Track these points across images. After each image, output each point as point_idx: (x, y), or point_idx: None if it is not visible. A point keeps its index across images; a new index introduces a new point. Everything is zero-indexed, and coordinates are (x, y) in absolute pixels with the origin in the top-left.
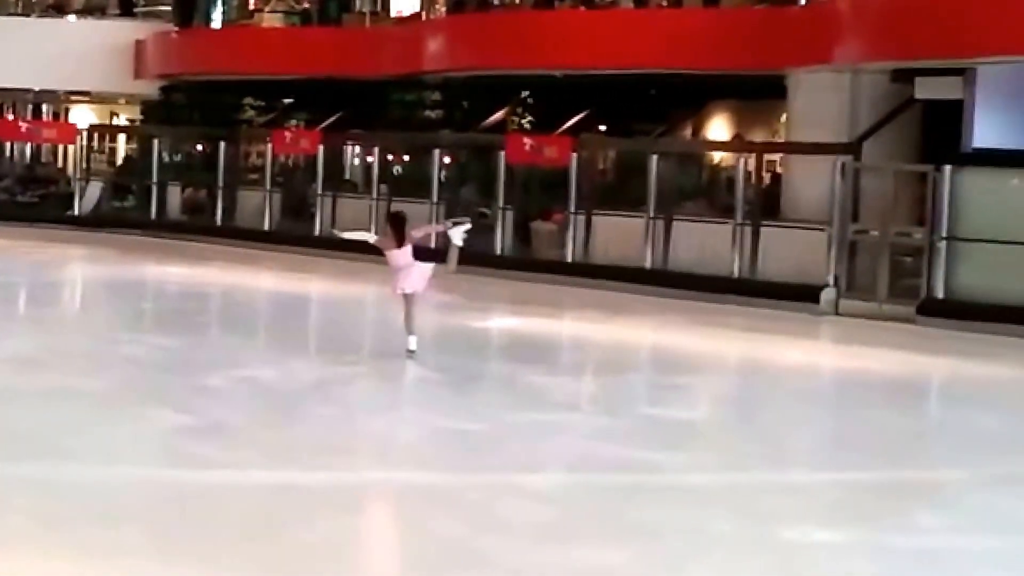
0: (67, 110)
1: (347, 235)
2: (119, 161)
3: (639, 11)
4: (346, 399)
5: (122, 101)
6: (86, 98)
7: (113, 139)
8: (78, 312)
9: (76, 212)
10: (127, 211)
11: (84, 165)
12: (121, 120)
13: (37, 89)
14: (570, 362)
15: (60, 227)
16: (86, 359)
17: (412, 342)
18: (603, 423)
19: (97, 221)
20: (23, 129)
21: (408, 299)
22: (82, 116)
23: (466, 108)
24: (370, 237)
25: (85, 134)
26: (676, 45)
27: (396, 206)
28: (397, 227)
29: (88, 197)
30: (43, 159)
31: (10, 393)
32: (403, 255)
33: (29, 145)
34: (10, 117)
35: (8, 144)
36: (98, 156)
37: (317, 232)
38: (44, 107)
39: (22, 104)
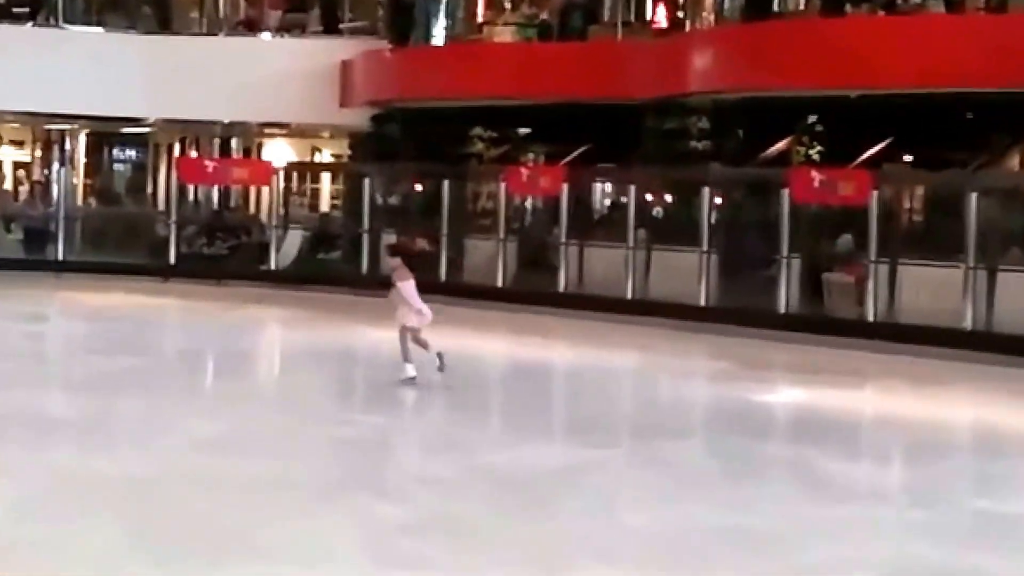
0: (260, 146)
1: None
2: (322, 205)
3: (953, 17)
4: (600, 489)
5: (326, 134)
6: (283, 131)
7: (315, 179)
8: (276, 386)
9: (272, 266)
10: (333, 265)
11: (281, 210)
12: (325, 157)
13: (226, 121)
14: (875, 444)
15: (253, 284)
16: (287, 441)
17: (411, 369)
18: (920, 518)
19: (297, 277)
20: (209, 169)
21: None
22: (278, 152)
23: (740, 137)
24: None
25: (282, 173)
26: (999, 58)
27: (650, 255)
28: (405, 256)
29: (286, 249)
30: (232, 204)
31: (200, 483)
32: (407, 289)
33: (217, 188)
34: (194, 155)
35: (192, 187)
36: (298, 199)
37: (561, 288)
38: (234, 142)
39: (208, 139)
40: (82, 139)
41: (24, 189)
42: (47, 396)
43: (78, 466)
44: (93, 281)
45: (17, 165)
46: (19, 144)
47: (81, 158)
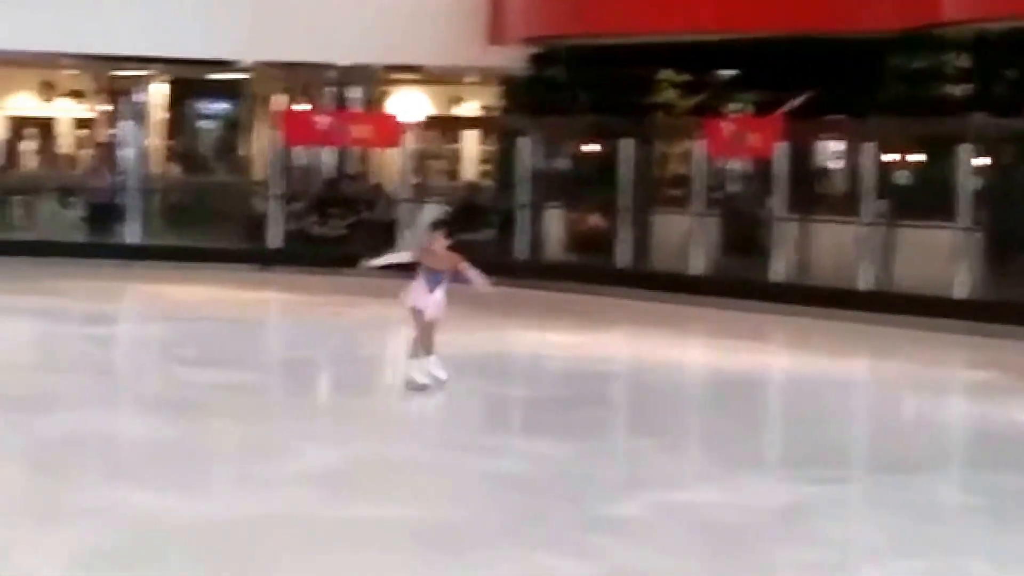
0: (386, 96)
1: (381, 262)
2: (466, 172)
3: None
4: (833, 537)
5: (470, 80)
6: (415, 77)
7: (457, 138)
8: (409, 404)
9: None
10: (480, 248)
11: (413, 179)
12: (469, 109)
13: (343, 65)
14: None
15: (378, 273)
16: (425, 476)
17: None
18: None
19: None
20: (321, 126)
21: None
22: (409, 105)
23: (1011, 80)
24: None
25: (414, 131)
26: None
27: (893, 233)
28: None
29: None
30: (351, 171)
31: (313, 529)
32: (435, 273)
33: (331, 151)
34: (301, 108)
35: (299, 150)
36: (435, 164)
37: (776, 276)
38: (352, 92)
39: (319, 88)
40: (159, 89)
41: (86, 154)
42: (119, 419)
43: (159, 506)
44: (174, 270)
45: (78, 123)
46: (79, 96)
47: (158, 113)
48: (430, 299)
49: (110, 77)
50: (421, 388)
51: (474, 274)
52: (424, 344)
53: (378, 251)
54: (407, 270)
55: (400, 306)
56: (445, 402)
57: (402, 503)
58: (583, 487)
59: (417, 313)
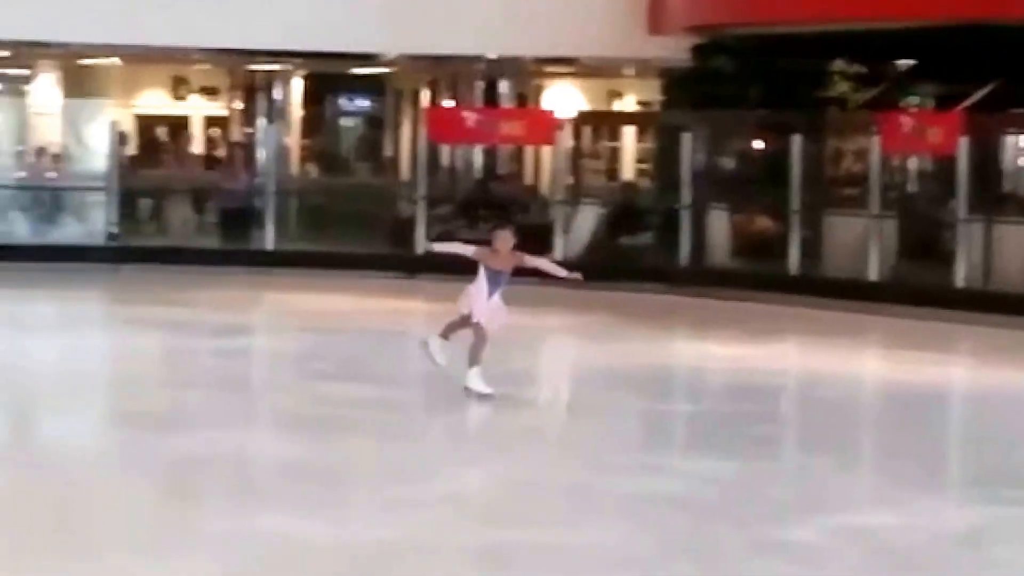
0: (539, 90)
1: (445, 248)
2: (625, 171)
3: None
4: (1020, 563)
5: (629, 73)
6: (570, 70)
7: (615, 135)
8: (564, 420)
9: (557, 256)
10: (640, 252)
11: (569, 179)
12: (628, 104)
13: (492, 57)
14: None
15: (531, 279)
16: (580, 498)
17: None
18: None
19: (591, 270)
20: (469, 123)
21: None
22: (564, 100)
23: None
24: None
25: (570, 128)
26: None
27: None
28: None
29: (576, 231)
30: (501, 171)
31: (459, 554)
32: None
33: (479, 149)
34: (448, 104)
35: (446, 148)
36: (591, 163)
37: (960, 282)
38: (502, 86)
39: (467, 83)
40: (297, 85)
41: (220, 154)
42: (253, 437)
43: (294, 529)
44: (312, 278)
45: (210, 121)
46: (212, 93)
47: (296, 111)
48: (487, 306)
49: (245, 72)
50: (485, 398)
51: (545, 263)
52: (475, 353)
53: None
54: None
55: (459, 312)
56: (600, 419)
57: (555, 527)
58: (750, 509)
59: (473, 322)
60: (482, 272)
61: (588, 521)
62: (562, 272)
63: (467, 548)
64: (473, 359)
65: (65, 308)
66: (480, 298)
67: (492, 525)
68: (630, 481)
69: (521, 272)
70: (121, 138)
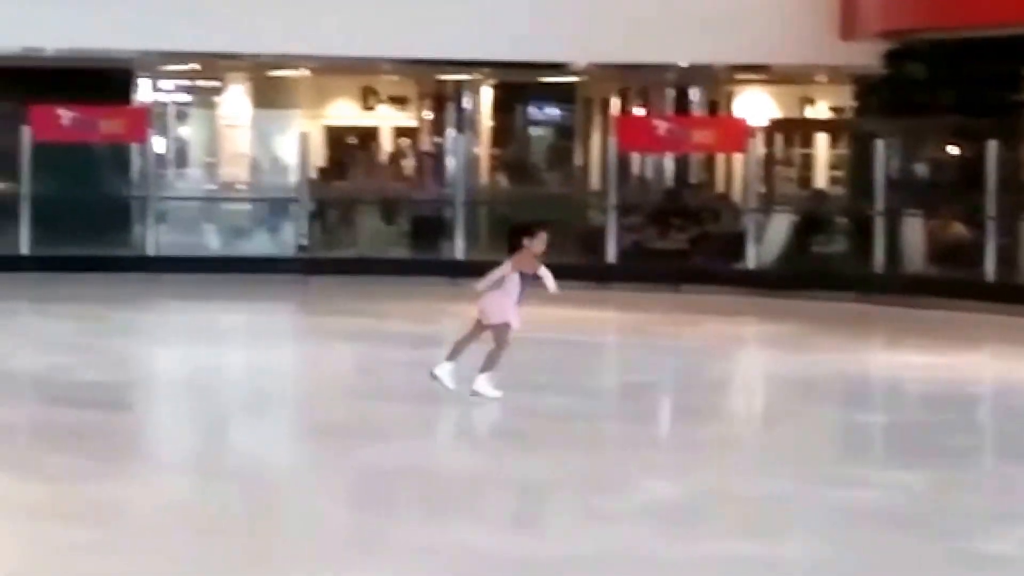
0: (730, 97)
1: (487, 282)
2: (817, 179)
3: None
4: None
5: (820, 79)
6: (761, 77)
7: (807, 142)
8: (758, 431)
9: (750, 264)
10: (832, 261)
11: (761, 187)
12: (819, 111)
13: (683, 65)
14: None
15: (723, 289)
16: (775, 509)
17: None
18: None
19: (783, 278)
20: (659, 131)
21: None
22: (755, 106)
23: None
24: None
25: (761, 135)
26: None
27: None
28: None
29: (769, 240)
30: (693, 179)
31: (653, 566)
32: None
33: (670, 158)
34: (639, 112)
35: (637, 157)
36: (783, 171)
37: None
38: (693, 94)
39: (658, 91)
40: (486, 94)
41: (409, 164)
42: (446, 449)
43: (488, 542)
44: None
45: (399, 132)
46: (401, 103)
47: (485, 120)
48: (516, 311)
49: (434, 82)
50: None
51: (544, 273)
52: (493, 360)
53: (724, 264)
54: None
55: (485, 320)
56: (795, 429)
57: (750, 539)
58: (951, 521)
59: (505, 327)
60: (516, 278)
61: (786, 533)
62: (552, 285)
63: (664, 560)
64: (489, 364)
65: (256, 320)
66: (514, 305)
67: (689, 537)
68: (828, 492)
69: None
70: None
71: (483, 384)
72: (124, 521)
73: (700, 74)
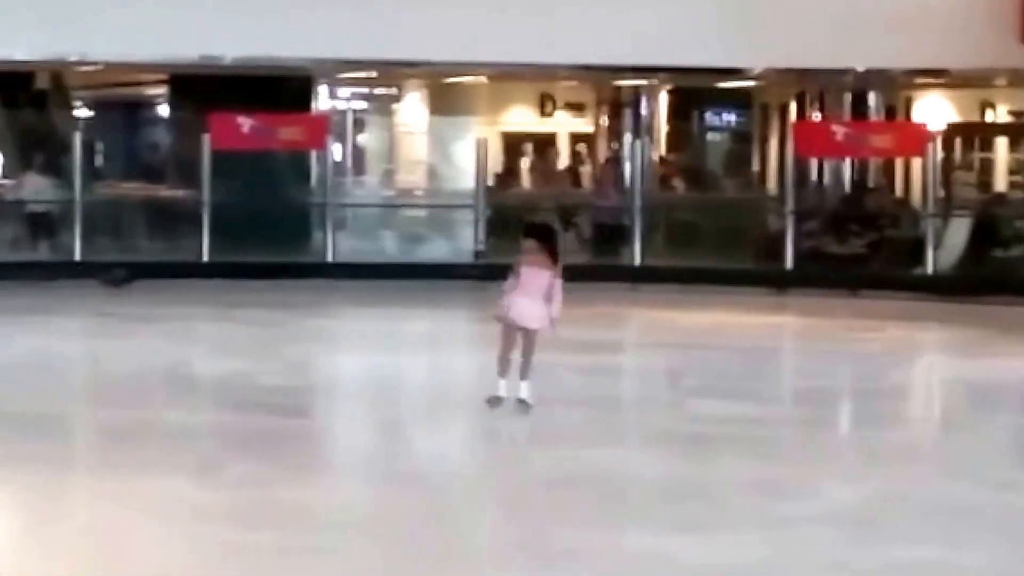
0: (909, 102)
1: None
2: (997, 183)
3: None
4: None
5: (1000, 83)
6: (939, 81)
7: (987, 146)
8: (937, 438)
9: (928, 270)
10: (1013, 265)
11: (940, 191)
12: (999, 115)
13: (860, 70)
14: None
15: (901, 294)
16: (959, 515)
17: (524, 388)
18: None
19: (961, 284)
20: (838, 137)
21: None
22: (934, 111)
23: None
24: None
25: (940, 140)
26: None
27: None
28: (547, 241)
29: (948, 244)
30: (871, 184)
31: (831, 572)
32: (542, 278)
33: (848, 163)
34: (816, 117)
35: (814, 163)
36: (962, 176)
37: None
38: (871, 98)
39: (835, 95)
40: (663, 100)
41: (586, 171)
42: (623, 454)
43: (664, 548)
44: (681, 294)
45: (576, 138)
46: (578, 109)
47: (662, 126)
48: (539, 313)
49: (611, 88)
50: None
51: (556, 300)
52: (527, 367)
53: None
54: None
55: (507, 324)
56: (976, 435)
57: (931, 545)
58: None
59: (533, 332)
60: (519, 281)
61: (968, 539)
62: (553, 315)
63: (843, 565)
64: (525, 372)
65: (433, 326)
66: (529, 307)
67: (869, 543)
68: (1011, 498)
69: None
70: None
71: (527, 391)
72: (303, 525)
73: (878, 79)
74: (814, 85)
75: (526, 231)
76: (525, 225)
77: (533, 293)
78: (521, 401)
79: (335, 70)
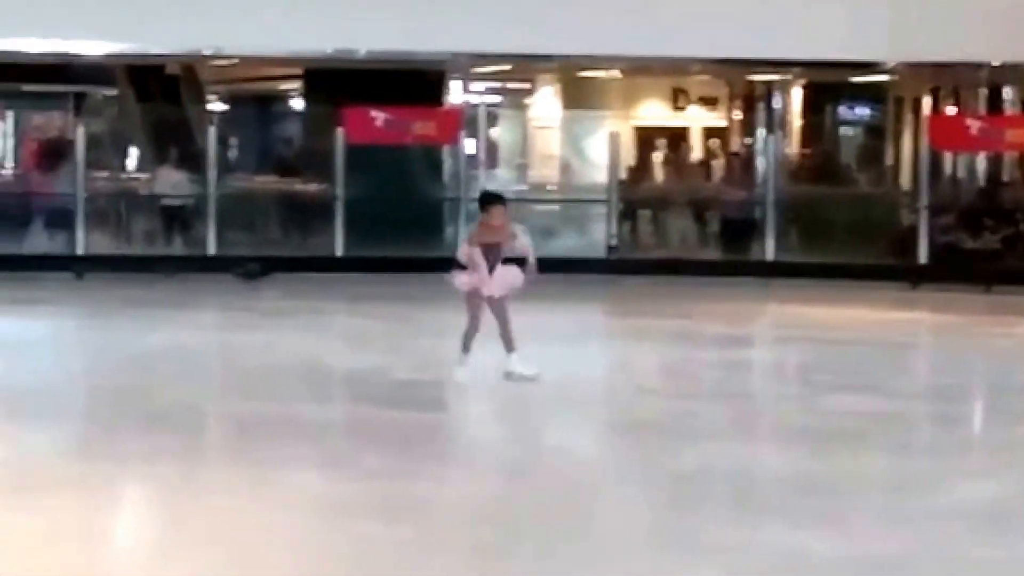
0: None
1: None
2: None
3: None
4: None
5: None
6: None
7: None
8: None
9: None
10: None
11: None
12: None
13: (995, 64)
14: None
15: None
16: None
17: (514, 360)
18: None
19: None
20: (973, 131)
21: (498, 305)
22: None
23: None
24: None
25: None
26: None
27: None
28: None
29: None
30: (1007, 178)
31: (963, 568)
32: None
33: (982, 157)
34: (951, 111)
35: (948, 156)
36: None
37: None
38: (1006, 92)
39: (970, 89)
40: (796, 94)
41: (718, 165)
42: (756, 449)
43: (797, 543)
44: (812, 289)
45: (708, 132)
46: (711, 104)
47: (795, 120)
48: (493, 279)
49: (744, 82)
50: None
51: (531, 252)
52: (504, 337)
53: None
54: None
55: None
56: None
57: None
58: None
59: (487, 300)
60: (477, 252)
61: None
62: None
63: (976, 561)
64: (509, 345)
65: (566, 320)
66: (484, 275)
67: (1003, 539)
68: None
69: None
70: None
71: (516, 363)
72: (439, 519)
73: (1013, 73)
74: (948, 79)
75: (490, 199)
76: (483, 195)
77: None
78: (513, 374)
79: (469, 64)
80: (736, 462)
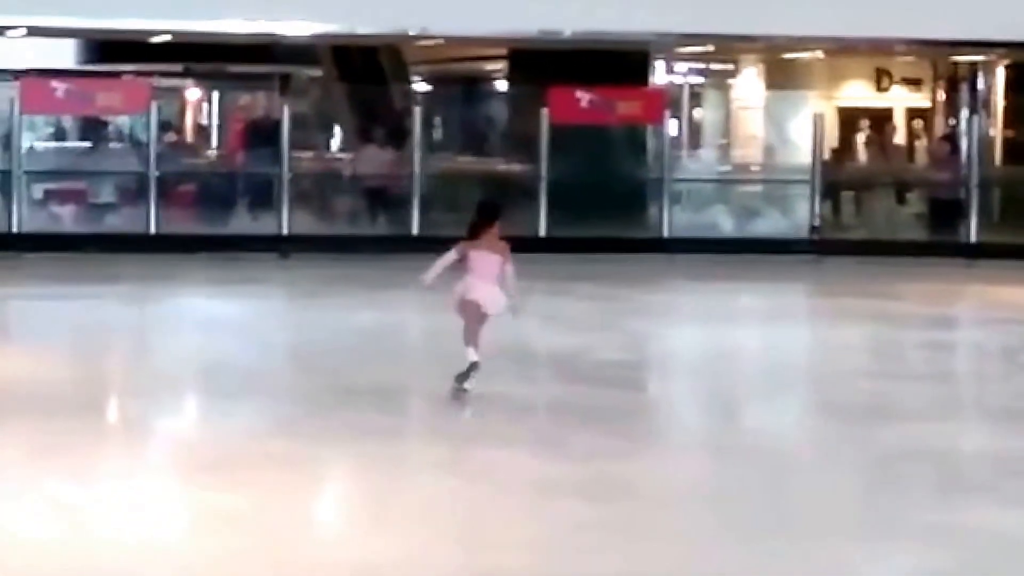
0: None
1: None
2: None
3: None
4: None
5: None
6: None
7: None
8: None
9: None
10: None
11: None
12: None
13: None
14: None
15: None
16: None
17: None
18: None
19: None
20: None
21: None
22: None
23: None
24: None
25: None
26: None
27: None
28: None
29: None
30: None
31: None
32: (492, 263)
33: None
34: None
35: None
36: None
37: None
38: None
39: None
40: (1000, 74)
41: (922, 146)
42: (962, 429)
43: (1005, 523)
44: (1018, 271)
45: (912, 113)
46: (915, 84)
47: (999, 101)
48: (488, 293)
49: (948, 63)
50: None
51: (513, 286)
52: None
53: None
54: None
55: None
56: None
57: None
58: None
59: (472, 306)
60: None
61: None
62: (512, 298)
63: None
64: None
65: (769, 300)
66: (486, 290)
67: None
68: None
69: None
70: None
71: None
72: (647, 500)
73: None
74: None
75: (483, 212)
76: (480, 205)
77: (487, 277)
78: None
79: (673, 44)
80: (942, 443)
